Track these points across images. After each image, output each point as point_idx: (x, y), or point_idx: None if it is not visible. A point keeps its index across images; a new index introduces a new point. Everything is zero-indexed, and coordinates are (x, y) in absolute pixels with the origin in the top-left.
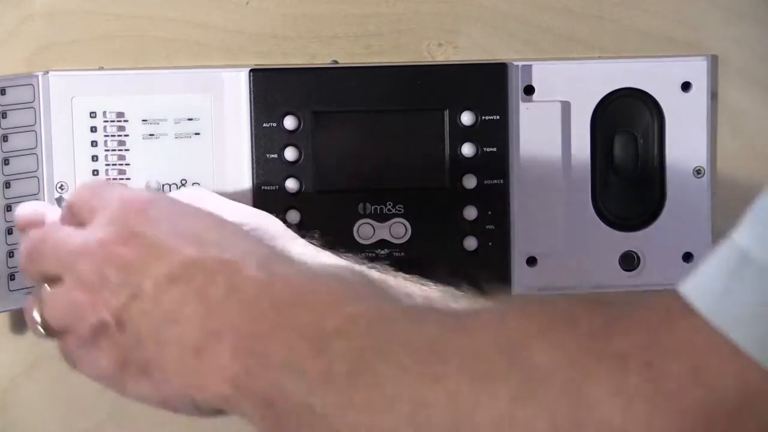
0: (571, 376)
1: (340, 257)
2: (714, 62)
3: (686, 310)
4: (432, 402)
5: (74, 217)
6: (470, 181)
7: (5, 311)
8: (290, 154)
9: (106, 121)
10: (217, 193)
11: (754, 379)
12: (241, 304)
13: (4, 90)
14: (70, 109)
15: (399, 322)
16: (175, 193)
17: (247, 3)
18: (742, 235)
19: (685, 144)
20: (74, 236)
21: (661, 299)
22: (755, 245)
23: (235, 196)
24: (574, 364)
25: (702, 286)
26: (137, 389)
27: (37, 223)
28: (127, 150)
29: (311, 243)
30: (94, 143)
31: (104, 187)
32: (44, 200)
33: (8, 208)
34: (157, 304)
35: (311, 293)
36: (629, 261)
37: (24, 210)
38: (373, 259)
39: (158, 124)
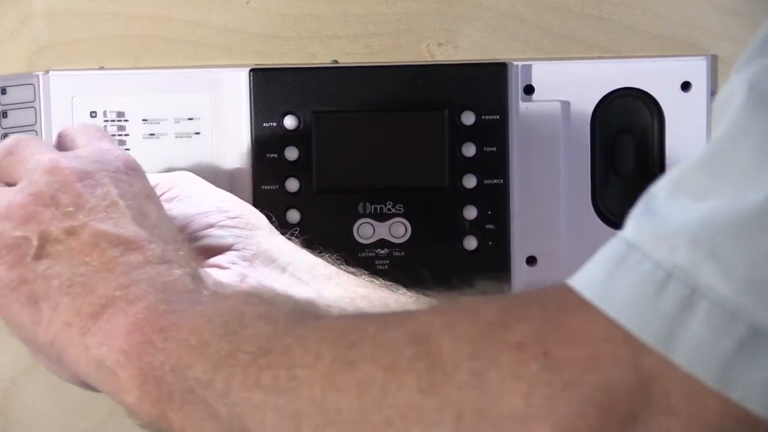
0: (475, 367)
1: (318, 256)
2: (714, 62)
3: (579, 301)
4: (342, 387)
5: (60, 146)
6: (470, 181)
7: None
8: (290, 153)
9: (107, 121)
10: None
11: (648, 366)
12: (162, 289)
13: (5, 89)
14: (71, 108)
15: (317, 314)
16: (167, 175)
17: (247, 2)
18: (627, 231)
19: (685, 144)
20: (50, 152)
21: (555, 291)
22: (640, 235)
23: (235, 196)
24: (476, 354)
25: (589, 276)
26: (15, 314)
27: None
28: (128, 149)
29: (291, 239)
30: None
31: (99, 131)
32: None
33: None
34: (85, 254)
35: (235, 291)
36: None
37: None
38: (373, 259)
39: (158, 123)
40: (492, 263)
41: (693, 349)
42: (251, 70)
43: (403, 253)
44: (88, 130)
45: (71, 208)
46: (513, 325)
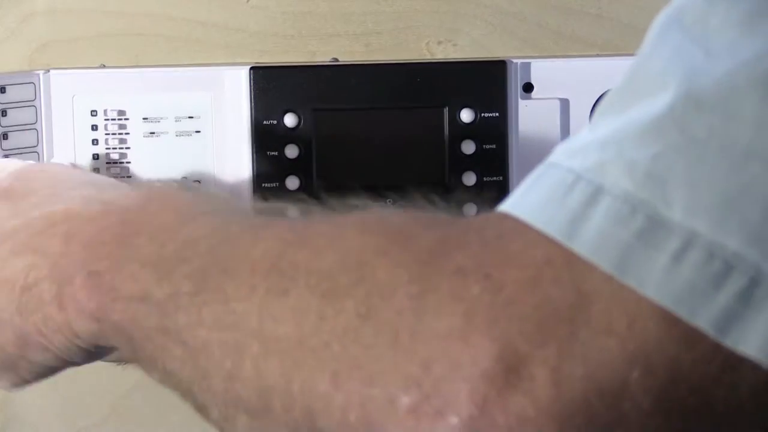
0: (413, 291)
1: None
2: None
3: (517, 226)
4: (279, 316)
5: None
6: (470, 178)
7: None
8: (290, 151)
9: (107, 119)
10: (218, 191)
11: (589, 287)
12: (82, 246)
13: (5, 88)
14: (71, 107)
15: (240, 240)
16: None
17: (247, 1)
18: (550, 156)
19: None
20: None
21: (488, 218)
22: (558, 154)
23: (235, 194)
24: (414, 279)
25: (512, 197)
26: (26, 364)
27: None
28: (128, 148)
29: None
30: (95, 141)
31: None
32: None
33: None
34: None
35: (146, 221)
36: None
37: None
38: None
39: (159, 122)
40: None
41: (592, 238)
42: (251, 69)
43: None
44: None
45: None
46: (451, 252)
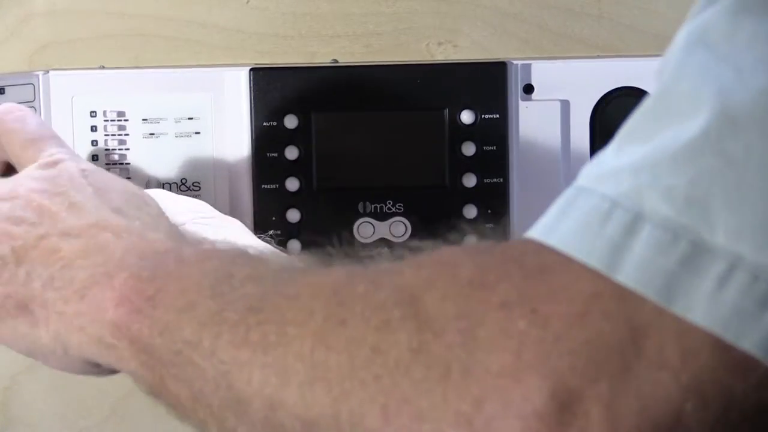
0: (462, 326)
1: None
2: None
3: (558, 257)
4: (333, 345)
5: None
6: (470, 180)
7: None
8: (290, 152)
9: (107, 120)
10: (218, 191)
11: (641, 320)
12: (141, 255)
13: (4, 89)
14: (71, 108)
15: (307, 271)
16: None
17: (247, 2)
18: (577, 180)
19: None
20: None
21: (526, 246)
22: (588, 179)
23: (235, 195)
24: (462, 314)
25: (544, 222)
26: (12, 328)
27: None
28: (128, 149)
29: (267, 241)
30: (94, 142)
31: (50, 137)
32: None
33: None
34: (57, 251)
35: (219, 252)
36: None
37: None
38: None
39: (159, 123)
40: None
41: (637, 268)
42: (251, 70)
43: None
44: (39, 140)
45: (36, 220)
46: (494, 285)
